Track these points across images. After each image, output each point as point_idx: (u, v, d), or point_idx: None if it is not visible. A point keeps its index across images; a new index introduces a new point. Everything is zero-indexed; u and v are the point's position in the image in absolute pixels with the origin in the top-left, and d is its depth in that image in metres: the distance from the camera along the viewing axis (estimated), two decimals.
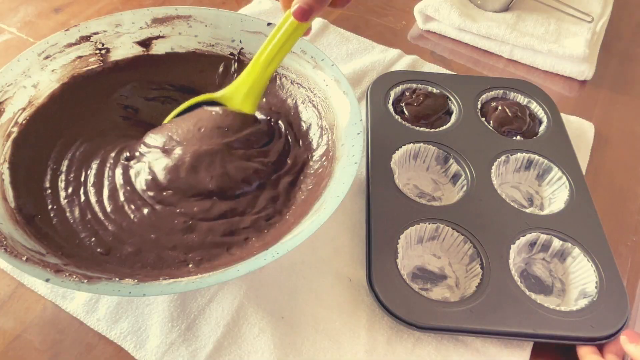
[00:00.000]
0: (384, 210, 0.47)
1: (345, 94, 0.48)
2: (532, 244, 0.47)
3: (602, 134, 0.61)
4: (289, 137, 0.52)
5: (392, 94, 0.59)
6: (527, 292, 0.43)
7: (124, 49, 0.53)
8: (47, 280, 0.35)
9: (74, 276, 0.36)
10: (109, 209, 0.45)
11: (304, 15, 0.42)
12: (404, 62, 0.67)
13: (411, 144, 0.53)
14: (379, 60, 0.66)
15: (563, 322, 0.41)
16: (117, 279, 0.37)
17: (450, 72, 0.66)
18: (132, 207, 0.45)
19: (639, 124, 0.64)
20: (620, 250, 0.50)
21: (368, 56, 0.68)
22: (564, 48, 0.66)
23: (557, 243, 0.46)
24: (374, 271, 0.43)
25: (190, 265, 0.42)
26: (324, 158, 0.48)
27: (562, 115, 0.59)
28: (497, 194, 0.50)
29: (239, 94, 0.49)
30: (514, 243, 0.46)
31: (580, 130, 0.60)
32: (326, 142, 0.49)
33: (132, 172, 0.47)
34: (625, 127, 0.63)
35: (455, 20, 0.70)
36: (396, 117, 0.56)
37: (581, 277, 0.45)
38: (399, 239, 0.45)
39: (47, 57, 0.49)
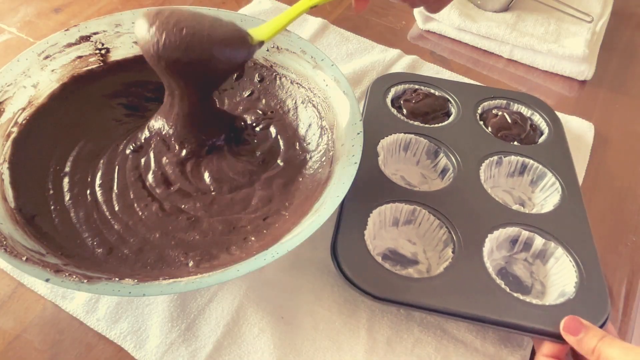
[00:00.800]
0: (360, 186, 0.46)
1: (345, 94, 0.48)
2: (514, 241, 0.46)
3: (602, 134, 0.61)
4: (280, 139, 0.52)
5: (393, 91, 0.59)
6: (498, 281, 0.41)
7: (124, 49, 0.53)
8: (46, 280, 0.35)
9: (74, 276, 0.36)
10: (117, 208, 0.45)
11: None
12: (404, 62, 0.67)
13: (402, 134, 0.53)
14: (379, 60, 0.66)
15: (532, 313, 0.40)
16: (117, 279, 0.37)
17: (454, 80, 0.66)
18: (142, 204, 0.46)
19: (639, 124, 0.64)
20: (620, 250, 0.51)
21: (368, 56, 0.68)
22: (563, 48, 0.66)
23: (539, 241, 0.45)
24: (339, 239, 0.43)
25: (190, 265, 0.42)
26: (324, 158, 0.48)
27: (562, 115, 0.59)
28: (483, 189, 0.49)
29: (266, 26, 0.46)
30: (492, 233, 0.44)
31: (580, 131, 0.60)
32: (326, 142, 0.49)
33: (142, 167, 0.48)
34: (625, 127, 0.63)
35: (455, 20, 0.70)
36: (392, 110, 0.56)
37: (562, 278, 0.43)
38: (372, 213, 0.45)
39: (47, 57, 0.49)
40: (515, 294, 0.41)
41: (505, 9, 0.74)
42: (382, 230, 0.47)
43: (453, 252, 0.43)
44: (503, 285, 0.41)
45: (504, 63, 0.71)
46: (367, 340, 0.42)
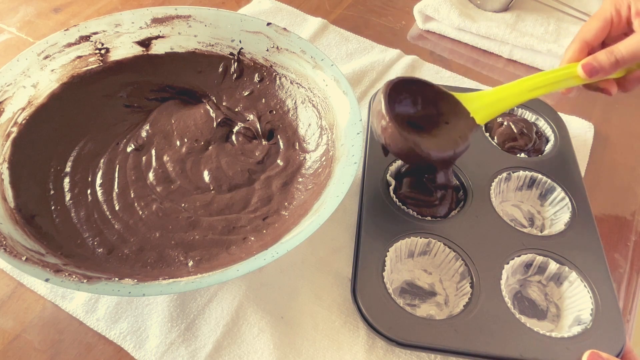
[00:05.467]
0: (375, 222, 0.46)
1: (345, 93, 0.48)
2: (528, 265, 0.45)
3: (602, 134, 0.61)
4: (280, 139, 0.52)
5: None
6: (517, 315, 0.41)
7: (123, 49, 0.53)
8: (46, 280, 0.35)
9: (74, 276, 0.36)
10: (117, 207, 0.46)
11: (591, 73, 0.45)
12: (404, 62, 0.67)
13: None
14: (379, 60, 0.66)
15: (552, 348, 0.39)
16: (116, 278, 0.37)
17: (455, 79, 0.66)
18: (142, 203, 0.46)
19: (639, 124, 0.64)
20: (620, 250, 0.50)
21: (367, 56, 0.68)
22: (563, 48, 0.66)
23: (553, 266, 0.44)
24: (358, 283, 0.42)
25: (190, 265, 0.42)
26: (324, 158, 0.48)
27: (562, 115, 0.59)
28: (494, 212, 0.48)
29: (481, 100, 0.48)
30: (508, 263, 0.44)
31: (580, 131, 0.60)
32: (326, 142, 0.49)
33: (143, 166, 0.49)
34: (625, 127, 0.63)
35: (454, 20, 0.70)
36: None
37: (577, 302, 0.43)
38: (388, 251, 0.44)
39: (46, 57, 0.49)
40: (535, 329, 0.40)
41: (505, 8, 0.74)
42: (398, 263, 0.46)
43: (471, 287, 0.43)
44: (523, 320, 0.41)
45: (503, 63, 0.71)
46: (367, 340, 0.42)
